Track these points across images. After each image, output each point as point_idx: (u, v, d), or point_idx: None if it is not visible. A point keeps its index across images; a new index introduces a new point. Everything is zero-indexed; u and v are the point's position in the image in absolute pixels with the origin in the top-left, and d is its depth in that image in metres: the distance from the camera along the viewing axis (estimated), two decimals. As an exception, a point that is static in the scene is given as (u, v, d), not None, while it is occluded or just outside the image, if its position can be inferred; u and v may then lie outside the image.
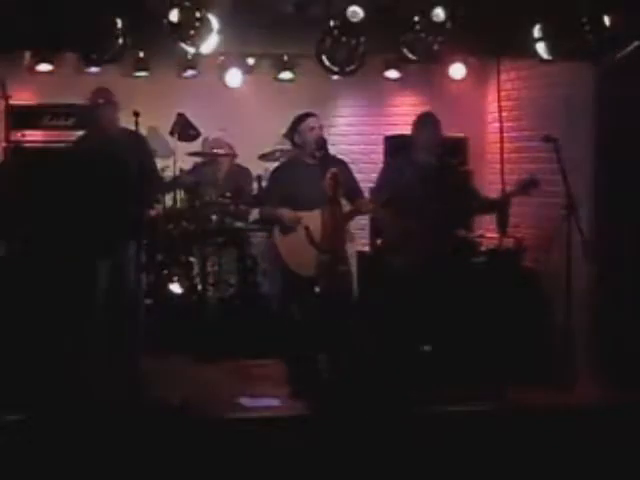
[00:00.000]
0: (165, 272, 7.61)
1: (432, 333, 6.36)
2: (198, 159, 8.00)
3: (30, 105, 7.87)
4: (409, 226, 6.35)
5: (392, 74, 8.27)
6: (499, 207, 6.57)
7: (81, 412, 5.49)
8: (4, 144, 7.61)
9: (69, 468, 5.03)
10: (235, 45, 6.16)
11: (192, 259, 7.78)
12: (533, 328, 6.84)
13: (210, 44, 5.83)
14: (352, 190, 6.21)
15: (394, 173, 6.49)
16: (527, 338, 6.72)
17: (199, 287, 7.66)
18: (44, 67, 7.86)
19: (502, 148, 6.67)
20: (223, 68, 8.21)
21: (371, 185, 6.68)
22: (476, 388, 6.07)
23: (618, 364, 6.40)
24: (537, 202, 7.20)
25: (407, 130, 6.70)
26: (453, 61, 7.92)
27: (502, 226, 7.03)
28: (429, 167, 6.43)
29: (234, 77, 8.26)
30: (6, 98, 7.36)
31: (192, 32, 5.73)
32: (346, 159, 6.54)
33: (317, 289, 5.97)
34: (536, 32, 6.24)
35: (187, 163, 7.92)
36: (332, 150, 6.24)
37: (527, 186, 6.31)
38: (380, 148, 8.24)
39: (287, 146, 7.07)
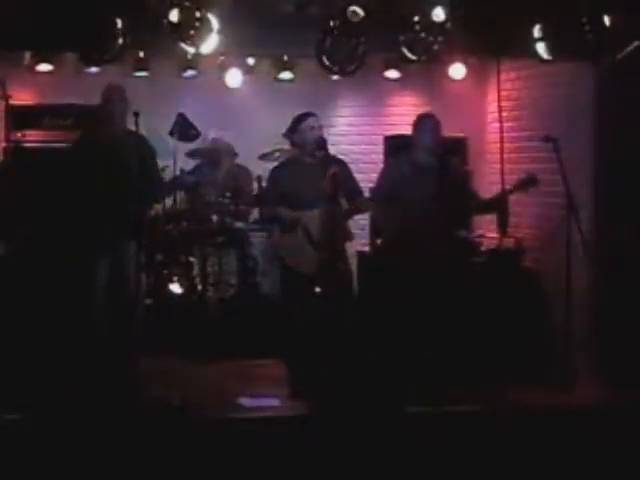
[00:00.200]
0: (165, 272, 7.61)
1: (432, 333, 6.35)
2: (198, 160, 8.00)
3: (30, 105, 7.87)
4: (409, 226, 6.35)
5: (392, 74, 8.27)
6: (498, 205, 6.56)
7: (81, 412, 5.49)
8: (4, 144, 7.62)
9: (69, 468, 5.03)
10: (235, 45, 6.16)
11: (192, 259, 7.78)
12: (533, 328, 6.84)
13: (210, 44, 5.83)
14: (351, 190, 6.21)
15: (394, 173, 6.49)
16: (527, 338, 6.71)
17: (199, 287, 7.66)
18: (44, 67, 7.85)
19: (502, 148, 6.67)
20: (223, 68, 8.21)
21: (371, 185, 6.68)
22: (476, 388, 6.07)
23: (618, 364, 6.40)
24: (537, 202, 7.20)
25: (407, 130, 6.70)
26: (453, 61, 7.91)
27: (502, 226, 7.03)
28: (429, 167, 6.43)
29: (234, 77, 8.25)
30: (6, 98, 7.38)
31: (192, 32, 5.73)
32: (346, 159, 6.54)
33: (317, 289, 5.98)
34: (536, 32, 6.24)
35: (186, 163, 7.92)
36: (332, 150, 6.24)
37: (525, 184, 6.30)
38: (380, 148, 8.24)
39: (287, 146, 7.06)
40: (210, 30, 5.76)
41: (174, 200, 7.82)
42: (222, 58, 8.00)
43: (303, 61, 7.95)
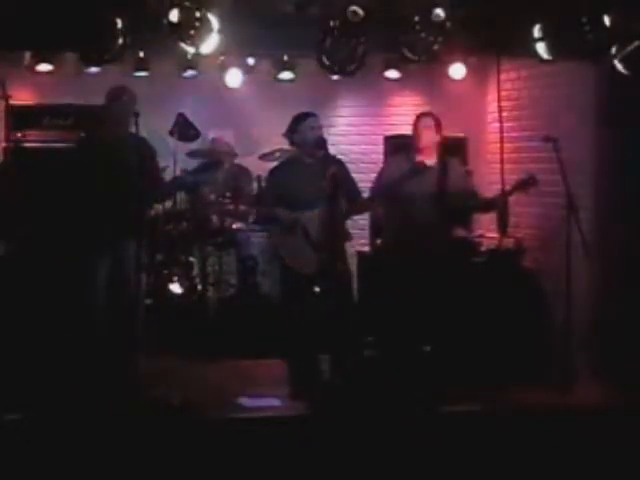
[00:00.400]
0: (165, 272, 7.61)
1: (432, 333, 6.36)
2: (198, 160, 7.99)
3: (30, 105, 7.87)
4: (409, 226, 6.34)
5: (392, 74, 8.27)
6: (497, 205, 6.56)
7: (81, 412, 5.49)
8: (4, 144, 7.62)
9: (69, 468, 5.03)
10: (235, 45, 6.15)
11: (192, 259, 7.79)
12: (533, 328, 6.84)
13: (210, 44, 5.82)
14: (350, 190, 6.20)
15: (393, 172, 6.48)
16: (527, 338, 6.72)
17: (199, 287, 7.66)
18: (44, 67, 7.85)
19: (502, 148, 6.67)
20: (223, 68, 8.21)
21: (371, 185, 6.68)
22: (476, 388, 6.08)
23: (618, 364, 6.40)
24: (537, 202, 7.20)
25: (407, 130, 6.69)
26: (453, 61, 7.91)
27: (502, 226, 7.03)
28: (428, 167, 6.43)
29: (234, 77, 8.25)
30: (6, 98, 7.37)
31: (192, 32, 5.72)
32: (346, 159, 6.53)
33: (317, 288, 5.97)
34: (536, 32, 6.23)
35: (186, 163, 7.91)
36: (332, 150, 6.24)
37: (525, 184, 6.30)
38: (380, 148, 8.24)
39: (287, 146, 7.06)
40: (210, 30, 5.76)
41: (174, 200, 7.82)
42: (222, 58, 7.99)
43: (303, 61, 7.95)
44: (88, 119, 7.17)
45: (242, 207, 7.99)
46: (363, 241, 7.84)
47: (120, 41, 5.82)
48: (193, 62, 7.99)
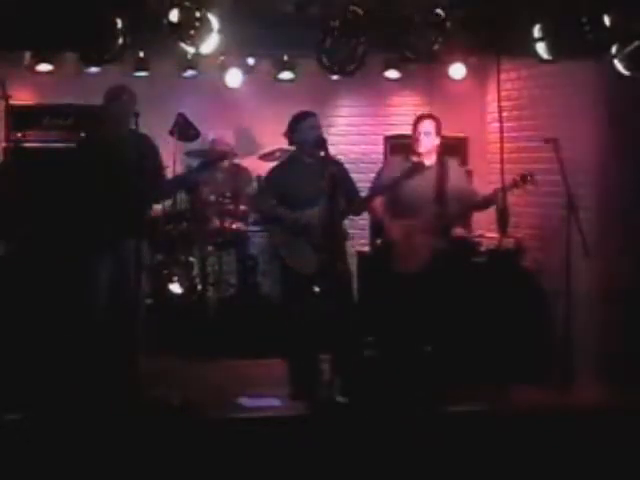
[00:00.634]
0: (165, 272, 7.61)
1: (432, 333, 6.36)
2: (198, 160, 7.99)
3: (30, 105, 7.87)
4: (409, 226, 6.35)
5: (392, 74, 8.26)
6: (495, 202, 6.55)
7: (81, 412, 5.49)
8: (4, 144, 7.62)
9: (69, 468, 5.03)
10: (235, 45, 6.15)
11: (192, 259, 7.79)
12: (533, 328, 6.84)
13: (210, 44, 5.82)
14: (348, 190, 6.21)
15: (393, 173, 6.48)
16: (527, 338, 6.72)
17: (199, 287, 7.67)
18: (44, 67, 7.84)
19: (502, 148, 6.65)
20: (223, 68, 8.20)
21: (370, 185, 6.68)
22: (476, 388, 6.08)
23: (618, 364, 6.40)
24: (537, 202, 7.20)
25: (407, 130, 6.70)
26: (453, 61, 7.91)
27: (502, 226, 7.02)
28: (427, 167, 6.43)
29: (234, 77, 8.25)
30: (6, 98, 7.37)
31: (192, 32, 5.72)
32: (346, 159, 6.54)
33: (317, 289, 5.97)
34: (536, 32, 6.23)
35: (186, 163, 7.92)
36: (332, 150, 6.23)
37: (523, 181, 6.29)
38: (380, 148, 8.24)
39: (287, 146, 7.06)
40: (210, 30, 5.75)
41: (174, 200, 7.82)
42: (222, 58, 7.99)
43: (303, 61, 7.95)
44: (88, 119, 7.17)
45: (242, 207, 7.99)
46: (363, 241, 7.84)
47: (120, 41, 5.81)
48: (193, 62, 7.98)
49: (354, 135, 8.84)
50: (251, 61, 8.29)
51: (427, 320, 6.25)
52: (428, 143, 6.41)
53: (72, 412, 5.49)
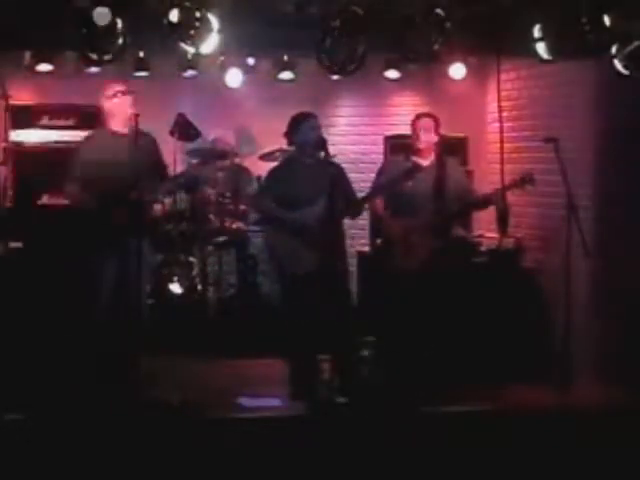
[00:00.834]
0: (165, 272, 7.61)
1: (432, 333, 6.35)
2: (198, 159, 8.00)
3: (30, 105, 7.87)
4: (408, 226, 6.35)
5: (392, 74, 8.26)
6: (494, 201, 6.56)
7: (81, 412, 5.49)
8: (4, 144, 7.62)
9: (69, 468, 5.03)
10: (235, 45, 6.15)
11: (192, 259, 7.79)
12: (533, 328, 6.84)
13: (210, 44, 5.82)
14: (346, 192, 6.21)
15: (392, 173, 6.49)
16: (527, 338, 6.72)
17: (199, 287, 7.67)
18: (44, 67, 7.84)
19: (502, 148, 6.66)
20: (223, 68, 8.21)
21: (370, 185, 6.68)
22: (476, 388, 6.07)
23: (618, 364, 6.39)
24: (537, 202, 7.20)
25: (407, 130, 6.70)
26: (453, 61, 7.90)
27: (502, 226, 7.02)
28: (427, 167, 6.43)
29: (234, 77, 8.25)
30: (6, 98, 7.37)
31: (192, 32, 5.72)
32: (346, 159, 6.54)
33: (316, 288, 5.97)
34: (536, 32, 6.23)
35: (186, 163, 7.92)
36: (332, 150, 6.24)
37: (522, 182, 6.30)
38: (380, 148, 8.24)
39: (287, 146, 7.06)
40: (210, 30, 5.75)
41: (174, 200, 7.82)
42: (222, 58, 7.99)
43: (303, 61, 7.95)
44: (88, 119, 7.18)
45: (242, 207, 7.99)
46: (363, 241, 7.84)
47: (120, 41, 5.81)
48: (193, 62, 7.98)
49: (354, 135, 8.84)
50: (251, 61, 8.28)
51: (427, 320, 6.24)
52: (428, 139, 6.41)
53: (72, 412, 5.49)
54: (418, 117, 6.54)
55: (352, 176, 6.53)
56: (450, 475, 5.30)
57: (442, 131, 6.56)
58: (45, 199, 7.53)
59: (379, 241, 6.92)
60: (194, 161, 7.81)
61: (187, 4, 5.68)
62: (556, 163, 6.11)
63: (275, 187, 6.19)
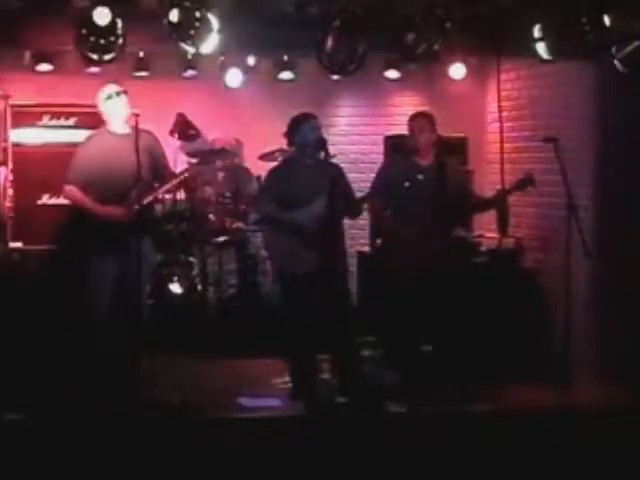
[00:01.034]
0: (165, 272, 7.62)
1: (432, 333, 6.36)
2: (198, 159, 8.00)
3: (30, 104, 7.87)
4: (408, 226, 6.34)
5: (392, 74, 8.27)
6: (495, 204, 6.56)
7: (81, 412, 5.49)
8: (4, 144, 7.63)
9: (69, 468, 5.03)
10: (235, 45, 6.15)
11: (192, 259, 7.79)
12: (533, 328, 6.84)
13: (210, 44, 5.82)
14: (346, 193, 6.21)
15: (392, 173, 6.49)
16: (527, 338, 6.72)
17: (199, 287, 7.67)
18: (44, 67, 7.85)
19: (502, 148, 6.66)
20: (223, 68, 8.21)
21: (370, 185, 6.67)
22: (476, 388, 6.08)
23: (618, 364, 6.39)
24: (537, 202, 7.21)
25: (407, 130, 6.70)
26: (453, 61, 7.91)
27: (502, 226, 7.03)
28: (426, 167, 6.43)
29: (234, 77, 8.25)
30: (6, 98, 7.38)
31: (192, 32, 5.73)
32: (346, 159, 6.54)
33: (316, 288, 5.97)
34: (536, 32, 6.23)
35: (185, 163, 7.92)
36: (332, 150, 6.24)
37: (523, 184, 6.30)
38: (380, 148, 8.24)
39: (286, 146, 7.07)
40: (210, 30, 5.76)
41: (174, 200, 7.82)
42: (222, 58, 8.00)
43: (303, 61, 7.95)
44: (88, 119, 7.17)
45: (242, 207, 7.99)
46: (363, 241, 7.84)
47: (120, 41, 5.81)
48: (193, 62, 7.99)
49: (354, 135, 8.84)
50: (251, 61, 8.29)
51: (427, 320, 6.24)
52: (425, 139, 6.41)
53: (72, 412, 5.49)
54: (413, 117, 6.53)
55: (352, 176, 6.54)
56: (450, 475, 5.29)
57: (441, 130, 6.55)
58: (45, 199, 7.61)
59: (379, 241, 6.92)
60: (194, 161, 7.82)
61: (187, 4, 5.69)
62: (556, 163, 6.10)
63: (275, 187, 6.18)
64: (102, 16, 5.68)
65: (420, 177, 6.34)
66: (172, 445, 5.22)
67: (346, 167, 6.57)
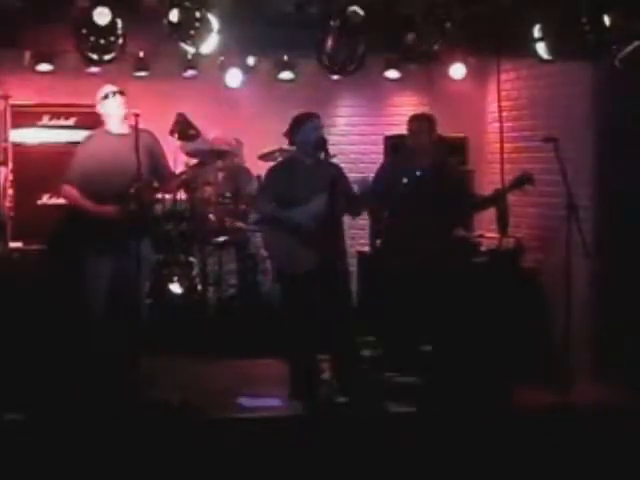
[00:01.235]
0: (165, 272, 7.61)
1: (432, 333, 6.36)
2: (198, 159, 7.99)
3: (30, 105, 7.87)
4: (408, 226, 6.35)
5: (392, 74, 8.27)
6: (494, 202, 6.56)
7: (81, 412, 5.49)
8: (4, 144, 7.63)
9: (69, 468, 5.03)
10: (235, 45, 6.15)
11: (192, 259, 7.79)
12: (533, 328, 6.84)
13: (210, 44, 5.82)
14: (346, 191, 6.21)
15: (391, 173, 6.49)
16: (527, 338, 6.72)
17: (199, 287, 7.66)
18: (44, 67, 7.85)
19: (502, 148, 6.66)
20: (223, 68, 8.21)
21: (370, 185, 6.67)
22: (476, 388, 6.07)
23: (618, 364, 6.39)
24: (537, 202, 7.21)
25: (406, 130, 6.70)
26: (453, 61, 7.91)
27: (502, 226, 7.03)
28: (426, 167, 6.43)
29: (234, 77, 8.26)
30: (6, 98, 7.38)
31: (192, 32, 5.72)
32: (346, 159, 6.54)
33: (316, 288, 5.97)
34: (536, 32, 6.23)
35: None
36: (332, 150, 6.24)
37: (521, 182, 6.30)
38: (380, 148, 8.24)
39: (286, 146, 7.07)
40: (210, 30, 5.76)
41: (174, 200, 7.82)
42: (222, 58, 8.00)
43: (303, 61, 7.96)
44: (88, 119, 7.17)
45: (242, 207, 7.99)
46: (363, 241, 7.84)
47: (120, 41, 5.81)
48: (193, 62, 7.99)
49: (354, 135, 8.85)
50: (251, 61, 8.30)
51: (427, 320, 6.24)
52: (424, 141, 6.41)
53: (72, 412, 5.49)
54: (412, 118, 6.53)
55: (352, 176, 6.53)
56: (450, 475, 5.29)
57: (441, 130, 6.56)
58: (45, 199, 7.62)
59: (379, 241, 6.92)
60: (194, 161, 7.81)
61: (187, 4, 5.68)
62: (556, 163, 6.10)
63: (275, 186, 6.17)
64: (102, 16, 5.67)
65: (419, 177, 6.34)
66: (172, 445, 5.22)
67: (346, 167, 6.57)
